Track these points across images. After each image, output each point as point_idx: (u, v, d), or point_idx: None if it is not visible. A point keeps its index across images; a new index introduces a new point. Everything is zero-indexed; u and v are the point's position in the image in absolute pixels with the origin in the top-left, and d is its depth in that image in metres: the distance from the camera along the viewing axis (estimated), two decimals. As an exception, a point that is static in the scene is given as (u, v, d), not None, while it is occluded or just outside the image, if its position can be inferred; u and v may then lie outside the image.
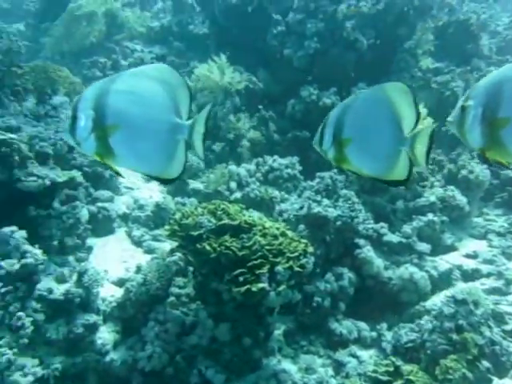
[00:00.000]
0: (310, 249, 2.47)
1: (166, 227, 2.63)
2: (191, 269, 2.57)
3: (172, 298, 2.43)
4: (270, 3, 4.65)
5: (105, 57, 5.16)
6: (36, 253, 2.11)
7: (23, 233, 2.17)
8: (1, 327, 1.90)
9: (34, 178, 2.40)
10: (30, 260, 2.05)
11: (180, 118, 1.32)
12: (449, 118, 1.47)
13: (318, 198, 3.08)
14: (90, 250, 2.74)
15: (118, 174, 1.37)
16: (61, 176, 2.57)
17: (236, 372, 2.24)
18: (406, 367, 2.08)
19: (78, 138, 1.28)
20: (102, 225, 3.06)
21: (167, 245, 3.08)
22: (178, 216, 2.61)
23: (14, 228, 2.17)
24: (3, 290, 1.94)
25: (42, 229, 2.45)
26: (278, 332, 2.53)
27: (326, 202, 3.01)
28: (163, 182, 1.47)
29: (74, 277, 2.40)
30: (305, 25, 4.43)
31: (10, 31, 4.63)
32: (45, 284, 2.15)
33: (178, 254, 2.61)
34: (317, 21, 4.36)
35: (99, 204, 3.14)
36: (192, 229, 2.52)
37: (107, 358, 2.19)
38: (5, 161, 2.29)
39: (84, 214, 2.71)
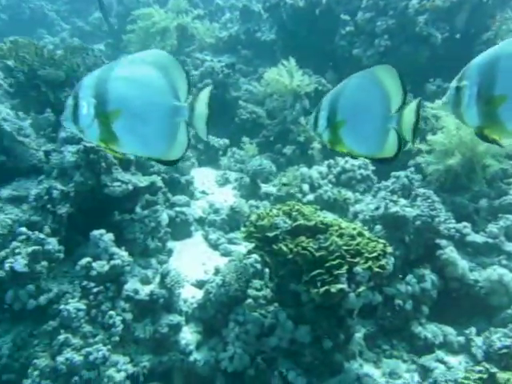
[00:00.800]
0: (389, 249, 2.39)
1: (242, 229, 2.66)
2: (268, 270, 2.58)
3: (250, 300, 2.45)
4: (338, 4, 4.61)
5: (176, 69, 5.35)
6: (123, 255, 2.22)
7: (111, 235, 2.29)
8: (95, 325, 2.01)
9: (119, 184, 2.52)
10: (117, 262, 2.16)
11: (179, 100, 1.34)
12: (443, 99, 1.47)
13: (394, 197, 2.99)
14: (170, 252, 2.84)
15: (121, 158, 1.41)
16: (142, 181, 2.68)
17: (317, 375, 2.21)
18: (502, 375, 1.94)
19: (81, 126, 1.32)
20: (179, 228, 3.17)
21: (243, 247, 3.12)
22: (253, 218, 2.63)
23: (102, 231, 2.29)
24: (96, 289, 2.06)
25: (126, 232, 2.58)
26: (359, 335, 2.46)
27: (403, 201, 2.91)
28: (165, 163, 1.46)
29: (157, 278, 2.50)
30: (374, 23, 4.33)
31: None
32: (131, 285, 2.25)
33: (255, 256, 2.63)
34: (387, 18, 4.26)
35: (177, 208, 3.25)
36: (268, 230, 2.53)
37: (191, 358, 2.24)
38: (93, 167, 2.43)
39: (164, 218, 2.82)
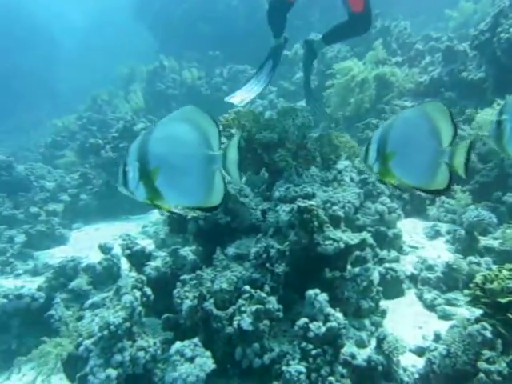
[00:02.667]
0: None
1: (466, 292, 2.39)
2: (501, 341, 2.23)
3: (481, 375, 2.14)
4: None
5: (376, 118, 5.34)
6: (338, 316, 2.18)
7: (325, 296, 2.28)
8: (315, 389, 1.99)
9: (331, 242, 2.54)
10: (333, 324, 2.13)
11: (212, 150, 1.46)
12: (486, 133, 1.46)
13: None
14: (384, 313, 2.70)
15: (170, 212, 1.50)
16: (353, 239, 2.65)
17: None
18: None
19: (130, 189, 1.44)
20: (391, 286, 3.01)
21: (464, 310, 2.79)
22: (479, 279, 2.34)
23: (317, 291, 2.30)
24: (314, 352, 2.05)
25: (338, 291, 2.55)
26: None
27: None
28: (206, 210, 1.54)
29: (373, 342, 2.38)
30: None
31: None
32: (348, 348, 2.19)
33: (484, 324, 2.31)
34: None
35: (386, 265, 3.12)
36: (499, 295, 2.21)
37: None
38: (306, 226, 2.50)
39: (376, 276, 2.72)
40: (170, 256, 3.90)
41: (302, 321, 2.18)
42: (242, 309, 2.26)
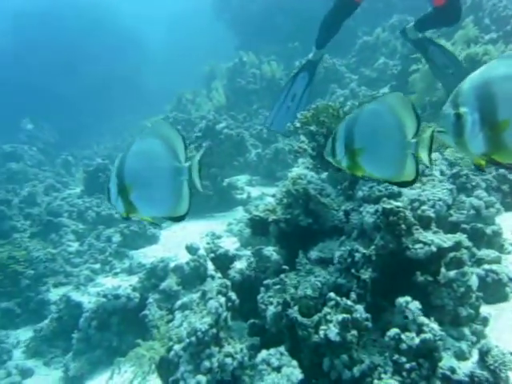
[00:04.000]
0: None
1: None
2: None
3: None
4: None
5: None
6: (433, 327, 2.02)
7: (417, 304, 2.13)
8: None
9: (421, 245, 2.36)
10: (428, 335, 1.98)
11: (180, 162, 1.60)
12: (439, 129, 1.49)
13: None
14: (485, 321, 2.47)
15: (154, 224, 1.71)
16: (446, 241, 2.45)
17: None
18: None
19: (112, 203, 1.61)
20: (492, 291, 2.75)
21: None
22: None
23: (408, 299, 2.16)
24: (408, 365, 1.92)
25: (433, 298, 2.37)
26: None
27: None
28: (175, 219, 1.69)
29: (474, 353, 2.19)
30: None
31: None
32: (446, 361, 2.02)
33: None
34: None
35: (486, 266, 2.85)
36: None
37: None
38: (393, 229, 2.35)
39: (474, 280, 2.48)
40: (253, 256, 3.92)
41: (393, 331, 2.06)
42: (328, 317, 2.18)
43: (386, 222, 2.35)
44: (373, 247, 2.41)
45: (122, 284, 4.44)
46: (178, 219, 1.70)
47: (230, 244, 5.14)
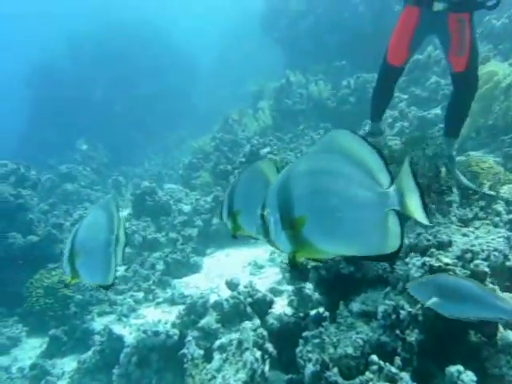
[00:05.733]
0: None
1: None
2: None
3: None
4: None
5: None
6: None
7: (471, 375, 1.94)
8: None
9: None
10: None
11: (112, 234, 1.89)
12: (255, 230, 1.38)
13: None
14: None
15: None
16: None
17: None
18: None
19: (64, 266, 1.86)
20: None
21: None
22: None
23: (460, 368, 1.97)
24: None
25: (488, 365, 2.14)
26: None
27: None
28: (105, 288, 1.97)
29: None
30: None
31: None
32: None
33: None
34: None
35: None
36: None
37: None
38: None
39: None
40: (294, 295, 3.78)
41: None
42: (370, 385, 2.02)
43: (434, 280, 2.15)
44: (419, 306, 2.23)
45: (163, 316, 4.43)
46: (107, 287, 1.85)
47: (272, 274, 5.03)
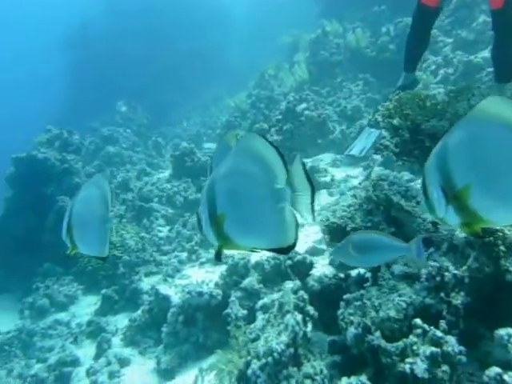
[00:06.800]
0: None
1: None
2: None
3: None
4: None
5: None
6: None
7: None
8: None
9: (525, 266, 2.05)
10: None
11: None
12: (420, 207, 1.66)
13: None
14: None
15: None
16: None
17: None
18: None
19: (64, 239, 1.98)
20: None
21: None
22: None
23: (509, 331, 1.91)
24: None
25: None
26: None
27: None
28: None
29: None
30: None
31: None
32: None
33: None
34: None
35: None
36: None
37: None
38: (489, 251, 2.07)
39: None
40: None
41: (493, 371, 1.82)
42: (414, 348, 1.99)
43: (481, 242, 2.07)
44: (465, 268, 2.15)
45: (207, 276, 4.54)
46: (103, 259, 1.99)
47: (312, 234, 5.01)
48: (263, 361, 2.32)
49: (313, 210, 1.34)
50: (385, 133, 3.09)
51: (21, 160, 7.24)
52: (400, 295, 2.31)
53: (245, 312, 3.63)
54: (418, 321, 2.07)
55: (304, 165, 1.37)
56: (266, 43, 16.06)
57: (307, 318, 2.59)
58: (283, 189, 1.36)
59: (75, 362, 4.41)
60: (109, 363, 4.10)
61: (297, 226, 1.39)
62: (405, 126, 3.05)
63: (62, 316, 5.53)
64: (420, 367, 1.91)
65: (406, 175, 4.11)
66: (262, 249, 1.47)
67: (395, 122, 3.07)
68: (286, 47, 12.01)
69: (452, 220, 1.33)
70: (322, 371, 2.33)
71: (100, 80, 17.84)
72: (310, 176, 1.39)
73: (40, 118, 16.52)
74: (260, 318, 3.24)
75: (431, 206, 1.37)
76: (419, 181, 2.96)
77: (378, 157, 5.24)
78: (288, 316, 2.53)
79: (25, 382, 4.40)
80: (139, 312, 4.48)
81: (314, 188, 1.35)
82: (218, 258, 1.54)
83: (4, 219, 7.21)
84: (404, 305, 2.24)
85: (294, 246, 1.41)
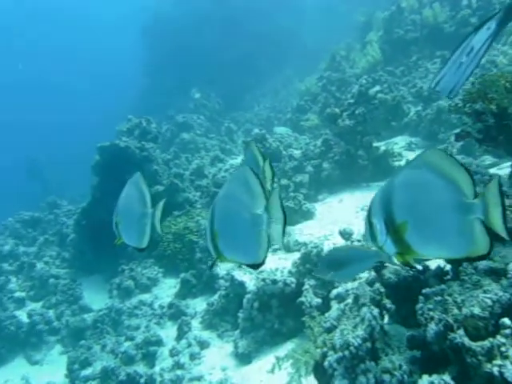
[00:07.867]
0: None
1: None
2: None
3: None
4: None
5: None
6: None
7: None
8: None
9: None
10: None
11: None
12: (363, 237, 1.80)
13: None
14: None
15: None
16: None
17: None
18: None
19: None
20: None
21: None
22: None
23: None
24: None
25: None
26: None
27: None
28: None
29: None
30: None
31: None
32: None
33: None
34: None
35: None
36: None
37: None
38: None
39: None
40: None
41: None
42: (503, 350, 1.91)
43: None
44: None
45: (280, 263, 4.60)
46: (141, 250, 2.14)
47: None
48: (340, 354, 2.33)
49: (283, 236, 1.53)
50: (466, 119, 2.93)
51: (105, 149, 7.66)
52: (485, 291, 2.21)
53: (319, 301, 3.65)
54: (506, 320, 1.98)
55: (280, 196, 1.54)
56: (338, 23, 15.62)
57: (384, 312, 2.56)
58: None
59: (159, 342, 4.69)
60: (189, 345, 4.32)
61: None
62: (489, 111, 2.88)
63: (146, 297, 5.89)
64: (510, 371, 1.82)
65: (489, 159, 3.88)
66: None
67: (478, 106, 2.90)
68: (359, 26, 11.61)
69: (389, 249, 1.51)
70: (401, 366, 2.30)
71: (176, 69, 18.29)
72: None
73: (122, 107, 17.34)
74: (335, 307, 3.25)
75: (373, 235, 1.53)
76: (508, 163, 2.79)
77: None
78: (364, 309, 2.51)
79: (117, 357, 4.76)
80: (216, 297, 4.65)
81: (285, 217, 1.51)
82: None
83: (92, 205, 7.72)
84: (490, 302, 2.14)
85: (262, 263, 1.60)
